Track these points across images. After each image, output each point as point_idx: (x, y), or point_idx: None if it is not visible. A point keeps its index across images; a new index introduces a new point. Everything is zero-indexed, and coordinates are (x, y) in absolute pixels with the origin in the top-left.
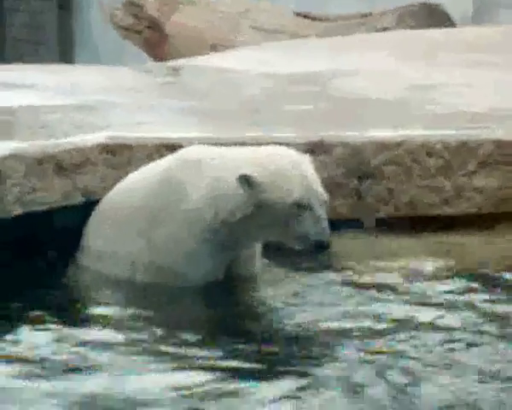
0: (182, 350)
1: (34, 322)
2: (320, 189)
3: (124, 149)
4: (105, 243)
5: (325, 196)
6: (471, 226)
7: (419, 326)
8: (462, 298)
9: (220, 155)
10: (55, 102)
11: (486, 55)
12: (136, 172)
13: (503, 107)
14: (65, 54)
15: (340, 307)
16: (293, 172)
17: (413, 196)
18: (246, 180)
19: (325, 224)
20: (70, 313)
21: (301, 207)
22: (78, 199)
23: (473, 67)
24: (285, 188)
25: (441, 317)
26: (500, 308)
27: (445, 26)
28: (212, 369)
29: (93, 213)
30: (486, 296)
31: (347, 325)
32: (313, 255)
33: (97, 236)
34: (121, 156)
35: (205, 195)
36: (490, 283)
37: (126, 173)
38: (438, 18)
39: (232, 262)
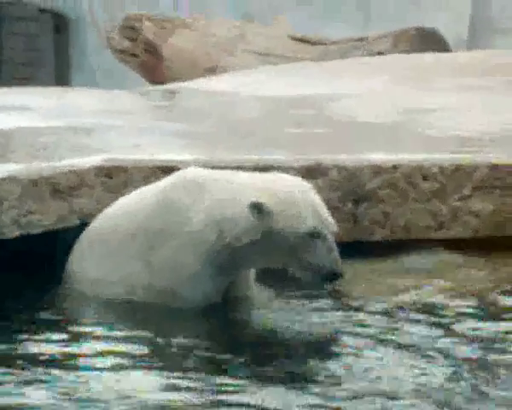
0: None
1: (29, 338)
2: (330, 218)
3: (120, 171)
4: (97, 267)
5: (335, 225)
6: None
7: None
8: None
9: (223, 179)
10: (52, 125)
11: (480, 79)
12: (126, 197)
13: (496, 130)
14: (61, 77)
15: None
16: (305, 201)
17: (408, 220)
18: (257, 207)
19: (337, 253)
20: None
21: (313, 236)
22: (74, 222)
23: (467, 91)
24: (298, 217)
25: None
26: None
27: (440, 51)
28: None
29: (80, 237)
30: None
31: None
32: (323, 284)
33: (88, 260)
34: (117, 179)
35: (208, 217)
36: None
37: (122, 196)
38: (433, 42)
39: (229, 284)
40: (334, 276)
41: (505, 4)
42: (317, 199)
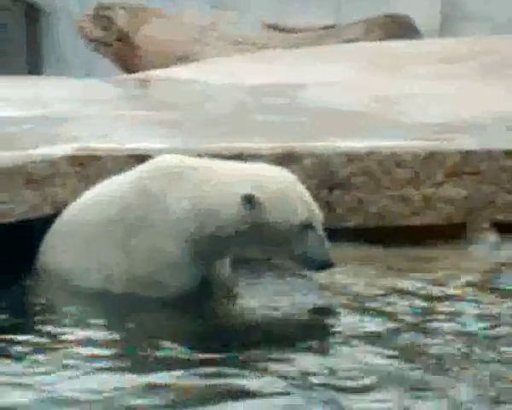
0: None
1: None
2: (318, 208)
3: (93, 160)
4: (72, 258)
5: (321, 215)
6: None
7: None
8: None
9: (202, 167)
10: (25, 114)
11: (452, 66)
12: (98, 186)
13: (468, 117)
14: (34, 66)
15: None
16: (294, 193)
17: (382, 207)
18: (248, 200)
19: (327, 243)
20: (43, 326)
21: (305, 227)
22: (47, 211)
23: (439, 78)
24: (289, 209)
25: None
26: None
27: (412, 38)
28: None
29: (53, 227)
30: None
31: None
32: (314, 272)
33: (61, 250)
34: (91, 168)
35: (188, 206)
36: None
37: (96, 185)
38: (405, 30)
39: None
40: (325, 265)
41: None
42: (304, 190)
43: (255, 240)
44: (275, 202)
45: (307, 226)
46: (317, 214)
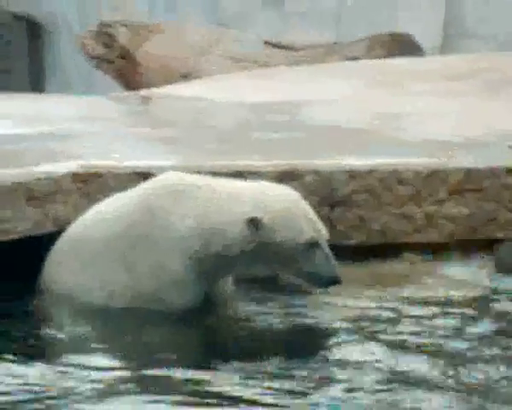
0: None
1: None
2: (322, 225)
3: (96, 177)
4: (76, 274)
5: (326, 233)
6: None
7: None
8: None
9: (207, 186)
10: (27, 131)
11: (454, 83)
12: (102, 204)
13: (471, 135)
14: (36, 83)
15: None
16: (299, 212)
17: (384, 224)
18: (254, 222)
19: (334, 260)
20: (48, 343)
21: (311, 246)
22: (50, 228)
23: (441, 95)
24: (295, 228)
25: None
26: None
27: (414, 56)
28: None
29: (56, 244)
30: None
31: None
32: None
33: (65, 267)
34: (93, 185)
35: (192, 225)
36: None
37: (98, 202)
38: (407, 47)
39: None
40: (333, 282)
41: (478, 9)
42: (308, 208)
43: (261, 258)
44: (280, 221)
45: (313, 244)
46: (323, 231)
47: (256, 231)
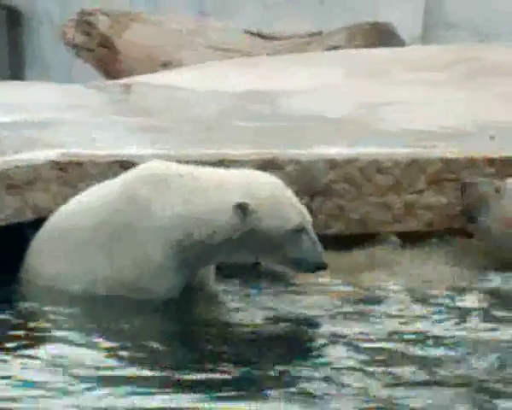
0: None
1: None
2: (307, 212)
3: (76, 166)
4: (58, 263)
5: (310, 217)
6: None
7: None
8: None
9: (189, 174)
10: (6, 119)
11: (434, 73)
12: (86, 192)
13: (450, 125)
14: (15, 72)
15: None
16: (285, 198)
17: (364, 214)
18: (241, 208)
19: (319, 245)
20: (30, 332)
21: (298, 231)
22: (29, 216)
23: (421, 85)
24: (282, 215)
25: None
26: None
27: (395, 45)
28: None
29: (39, 233)
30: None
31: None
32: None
33: (48, 255)
34: (73, 173)
35: (175, 214)
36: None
37: (78, 191)
38: (387, 37)
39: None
40: (319, 267)
41: None
42: (292, 194)
43: (246, 246)
44: (267, 209)
45: (299, 230)
46: (308, 217)
47: (244, 219)
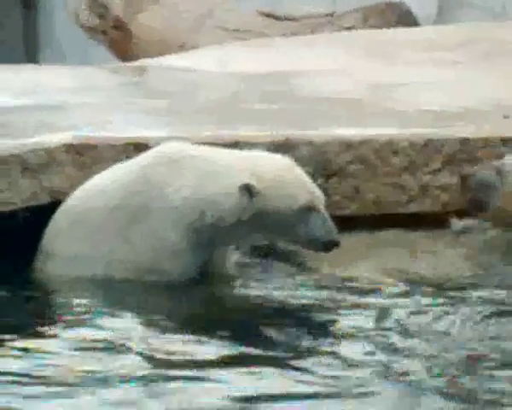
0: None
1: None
2: (318, 190)
3: (90, 148)
4: (75, 245)
5: (323, 196)
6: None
7: None
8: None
9: (203, 156)
10: (21, 102)
11: (449, 53)
12: (101, 174)
13: (466, 104)
14: (30, 53)
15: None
16: (293, 177)
17: (379, 194)
18: (247, 189)
19: (331, 223)
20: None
21: (307, 211)
22: (45, 199)
23: (436, 65)
24: (290, 194)
25: None
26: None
27: (410, 26)
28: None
29: (55, 215)
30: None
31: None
32: (322, 253)
33: (64, 238)
34: (88, 156)
35: (189, 195)
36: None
37: (93, 173)
38: (402, 17)
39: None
40: (331, 245)
41: None
42: (302, 173)
43: (258, 227)
44: (273, 188)
45: (309, 209)
46: (318, 196)
47: (250, 199)
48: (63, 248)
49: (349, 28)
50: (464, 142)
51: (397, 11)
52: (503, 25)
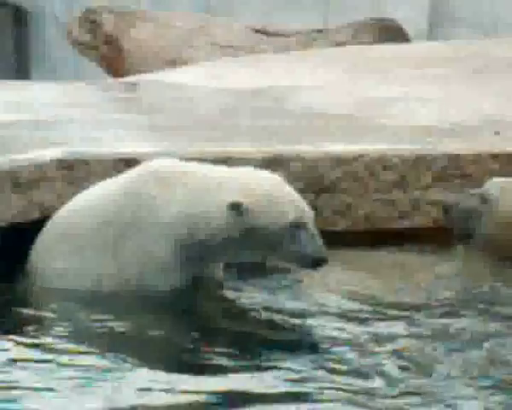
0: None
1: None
2: (307, 206)
3: (81, 164)
4: (63, 260)
5: (312, 212)
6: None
7: None
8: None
9: (193, 172)
10: (12, 118)
11: (440, 69)
12: (90, 189)
13: (457, 121)
14: (21, 70)
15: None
16: (282, 194)
17: (370, 210)
18: (235, 207)
19: (320, 240)
20: (40, 330)
21: (296, 227)
22: (35, 215)
23: (427, 81)
24: (278, 211)
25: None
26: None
27: (400, 42)
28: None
29: (44, 230)
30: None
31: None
32: (310, 270)
33: (52, 253)
34: (78, 172)
35: (178, 212)
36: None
37: (84, 189)
38: (393, 33)
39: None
40: (319, 262)
41: None
42: (291, 190)
43: (247, 245)
44: (262, 206)
45: (298, 226)
46: (307, 212)
47: (239, 217)
48: (51, 263)
49: (340, 44)
50: (455, 158)
51: (388, 27)
52: (493, 41)
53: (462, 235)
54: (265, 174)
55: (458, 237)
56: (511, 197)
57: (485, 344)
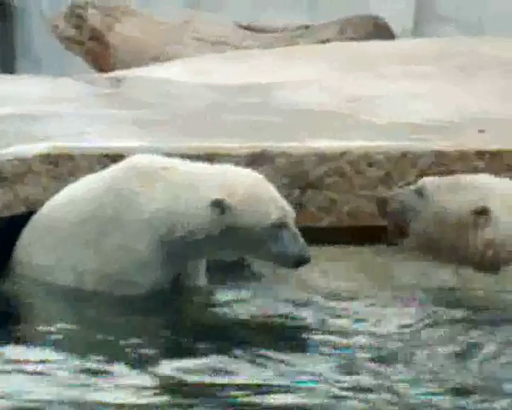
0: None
1: None
2: (288, 206)
3: (66, 159)
4: (46, 255)
5: (293, 212)
6: None
7: None
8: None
9: (175, 169)
10: None
11: (425, 67)
12: (74, 185)
13: (441, 118)
14: (6, 64)
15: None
16: (264, 194)
17: (355, 207)
18: (218, 205)
19: (302, 239)
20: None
21: (278, 227)
22: (20, 209)
23: (412, 78)
24: (261, 211)
25: None
26: None
27: (386, 39)
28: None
29: (28, 225)
30: None
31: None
32: (292, 269)
33: (36, 248)
34: (63, 166)
35: (159, 208)
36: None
37: (69, 184)
38: (378, 30)
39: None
40: (302, 261)
41: None
42: (273, 189)
43: (228, 243)
44: (244, 204)
45: (280, 225)
46: (289, 212)
47: (221, 215)
48: (35, 258)
49: (325, 40)
50: (440, 155)
51: (373, 24)
52: (478, 38)
53: (395, 231)
54: (247, 172)
55: (393, 233)
56: (446, 194)
57: None
